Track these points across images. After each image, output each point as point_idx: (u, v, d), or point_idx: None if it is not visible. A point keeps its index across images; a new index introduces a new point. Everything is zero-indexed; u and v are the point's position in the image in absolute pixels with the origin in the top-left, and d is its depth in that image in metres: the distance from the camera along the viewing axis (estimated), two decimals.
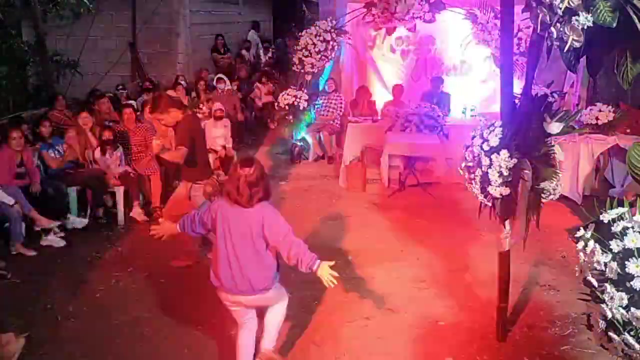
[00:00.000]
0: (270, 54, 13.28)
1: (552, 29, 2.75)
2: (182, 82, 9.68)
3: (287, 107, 8.18)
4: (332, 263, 3.35)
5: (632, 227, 2.23)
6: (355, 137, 7.80)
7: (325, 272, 3.30)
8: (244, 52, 12.68)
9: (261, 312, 3.59)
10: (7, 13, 9.24)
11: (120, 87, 9.22)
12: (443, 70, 8.67)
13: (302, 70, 8.10)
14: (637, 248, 2.18)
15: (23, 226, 5.58)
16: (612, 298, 2.20)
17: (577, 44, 2.66)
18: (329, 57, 8.17)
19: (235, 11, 13.65)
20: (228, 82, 10.08)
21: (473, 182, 3.69)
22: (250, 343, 3.56)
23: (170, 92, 8.06)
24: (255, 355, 3.56)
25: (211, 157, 7.86)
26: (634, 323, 2.16)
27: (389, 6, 7.52)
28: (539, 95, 4.03)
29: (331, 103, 8.72)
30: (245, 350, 3.54)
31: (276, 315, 3.59)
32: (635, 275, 2.14)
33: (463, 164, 3.79)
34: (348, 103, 8.69)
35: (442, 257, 5.36)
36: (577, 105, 7.77)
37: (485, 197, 3.64)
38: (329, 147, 8.66)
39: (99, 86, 9.75)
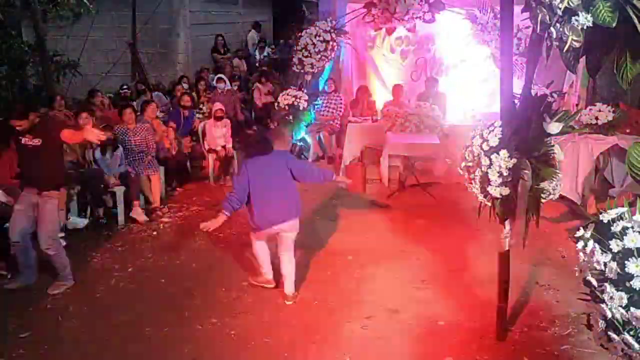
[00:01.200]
0: (265, 53, 13.26)
1: (552, 29, 2.75)
2: (185, 84, 9.68)
3: (287, 107, 8.18)
4: (349, 181, 5.34)
5: (632, 227, 2.24)
6: (355, 137, 7.80)
7: (340, 178, 5.17)
8: (235, 60, 12.54)
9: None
10: (7, 13, 9.24)
11: (125, 87, 9.24)
12: (443, 70, 8.67)
13: (302, 70, 8.10)
14: (637, 248, 2.18)
15: None
16: (611, 298, 2.20)
17: (576, 44, 2.66)
18: (329, 57, 8.16)
19: (235, 11, 13.66)
20: (228, 82, 10.09)
21: (473, 182, 3.70)
22: (266, 246, 4.71)
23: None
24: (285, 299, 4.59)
25: (211, 158, 7.88)
26: (633, 323, 2.16)
27: (389, 6, 7.52)
28: (538, 95, 4.03)
29: (331, 103, 8.73)
30: (266, 251, 4.70)
31: (291, 265, 4.62)
32: (635, 275, 2.14)
33: (463, 164, 3.79)
34: (348, 103, 8.69)
35: (442, 257, 5.36)
36: (577, 105, 7.76)
37: (485, 197, 3.64)
38: (329, 147, 8.66)
39: (98, 86, 9.76)
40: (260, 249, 4.72)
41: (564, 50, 2.73)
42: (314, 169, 4.94)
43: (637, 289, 2.13)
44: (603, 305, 2.23)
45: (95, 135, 4.53)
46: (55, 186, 4.78)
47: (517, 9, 3.33)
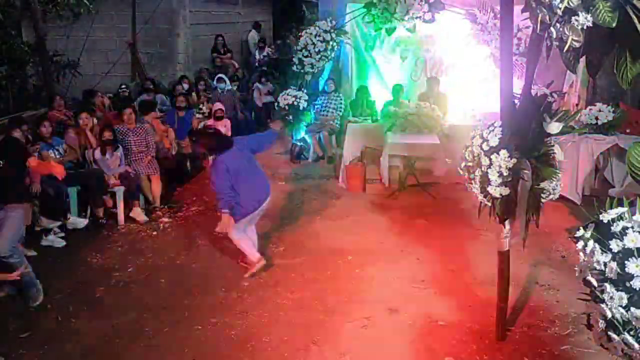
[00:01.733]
0: (265, 53, 13.24)
1: (552, 29, 2.75)
2: (185, 84, 9.67)
3: (287, 107, 8.17)
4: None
5: (632, 227, 2.24)
6: (355, 137, 7.79)
7: (274, 125, 6.35)
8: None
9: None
10: (7, 13, 9.25)
11: (124, 86, 9.23)
12: (443, 70, 8.66)
13: (302, 70, 8.10)
14: (637, 248, 2.18)
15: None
16: (611, 298, 2.20)
17: (576, 44, 2.66)
18: (329, 57, 8.17)
19: (235, 11, 13.65)
20: (228, 82, 10.09)
21: (473, 182, 3.69)
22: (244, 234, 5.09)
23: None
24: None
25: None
26: (633, 323, 2.16)
27: (388, 6, 7.51)
28: (538, 95, 4.03)
29: (331, 103, 8.72)
30: (246, 237, 5.06)
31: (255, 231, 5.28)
32: (635, 275, 2.14)
33: (463, 164, 3.79)
34: (348, 103, 8.69)
35: (442, 257, 5.36)
36: (577, 105, 7.76)
37: (485, 197, 3.64)
38: (329, 147, 8.65)
39: (98, 86, 9.75)
40: (242, 237, 5.04)
41: (564, 50, 2.73)
42: (262, 136, 5.54)
43: (637, 289, 2.13)
44: (603, 305, 2.23)
45: (59, 171, 5.05)
46: (20, 200, 4.64)
47: (517, 9, 3.33)
